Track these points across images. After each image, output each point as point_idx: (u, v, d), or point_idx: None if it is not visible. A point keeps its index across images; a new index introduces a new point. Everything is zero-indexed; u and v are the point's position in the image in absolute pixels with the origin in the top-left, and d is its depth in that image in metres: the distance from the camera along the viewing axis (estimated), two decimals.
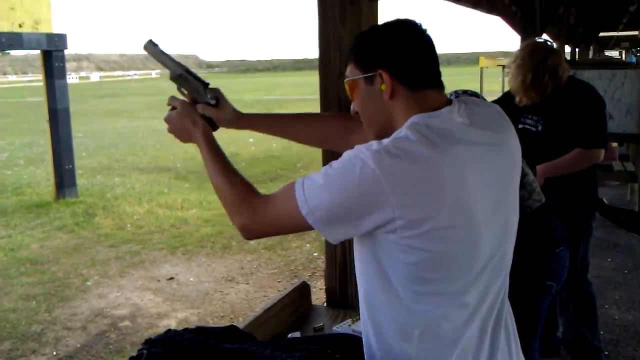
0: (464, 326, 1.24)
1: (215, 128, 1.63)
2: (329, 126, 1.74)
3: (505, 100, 3.29)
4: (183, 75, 1.61)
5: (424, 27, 1.31)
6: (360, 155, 1.16)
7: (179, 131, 1.59)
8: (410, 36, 1.29)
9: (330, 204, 1.18)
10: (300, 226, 1.24)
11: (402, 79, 1.27)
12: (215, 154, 1.49)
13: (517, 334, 1.42)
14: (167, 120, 1.60)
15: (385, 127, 1.30)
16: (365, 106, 1.34)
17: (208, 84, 1.63)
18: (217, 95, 1.63)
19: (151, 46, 1.59)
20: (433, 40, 1.32)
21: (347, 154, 1.19)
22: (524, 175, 2.41)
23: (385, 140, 1.18)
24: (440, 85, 1.32)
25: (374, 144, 1.17)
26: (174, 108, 1.60)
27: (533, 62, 3.03)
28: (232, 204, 1.37)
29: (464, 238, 1.19)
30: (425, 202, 1.14)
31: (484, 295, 1.26)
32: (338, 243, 1.28)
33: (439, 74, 1.32)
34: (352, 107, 1.38)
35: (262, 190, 1.38)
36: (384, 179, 1.12)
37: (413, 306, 1.22)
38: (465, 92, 2.18)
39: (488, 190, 1.24)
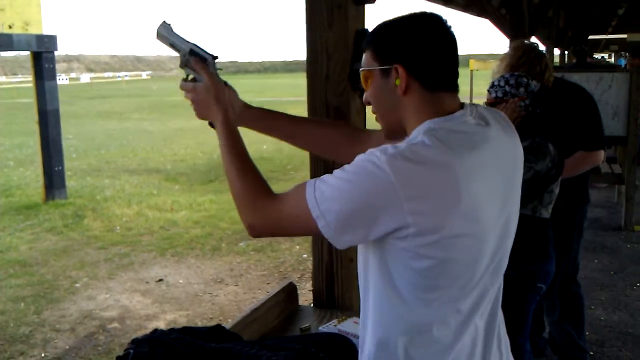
0: (459, 331, 1.22)
1: None
2: (336, 133, 1.65)
3: None
4: (194, 50, 1.49)
5: (449, 23, 1.25)
6: (374, 159, 1.11)
7: (201, 103, 1.48)
8: (432, 32, 1.23)
9: (342, 207, 1.13)
10: (309, 229, 1.18)
11: (418, 77, 1.22)
12: (232, 140, 1.40)
13: (508, 341, 1.40)
14: (192, 89, 1.49)
15: (395, 123, 1.28)
16: (378, 99, 1.29)
17: (217, 57, 1.52)
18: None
19: (163, 28, 1.51)
20: (456, 38, 1.26)
21: (360, 158, 1.14)
22: (556, 186, 2.53)
23: (401, 145, 1.13)
24: (456, 89, 1.27)
25: (389, 148, 1.12)
26: (193, 80, 1.51)
27: (512, 60, 2.97)
28: (242, 201, 1.30)
29: (472, 246, 1.17)
30: (440, 210, 1.11)
31: (480, 302, 1.25)
32: (345, 247, 1.20)
33: (456, 76, 1.27)
34: (364, 96, 1.33)
35: None
36: (399, 185, 1.08)
37: (414, 310, 1.20)
38: None
39: (495, 196, 1.21)
